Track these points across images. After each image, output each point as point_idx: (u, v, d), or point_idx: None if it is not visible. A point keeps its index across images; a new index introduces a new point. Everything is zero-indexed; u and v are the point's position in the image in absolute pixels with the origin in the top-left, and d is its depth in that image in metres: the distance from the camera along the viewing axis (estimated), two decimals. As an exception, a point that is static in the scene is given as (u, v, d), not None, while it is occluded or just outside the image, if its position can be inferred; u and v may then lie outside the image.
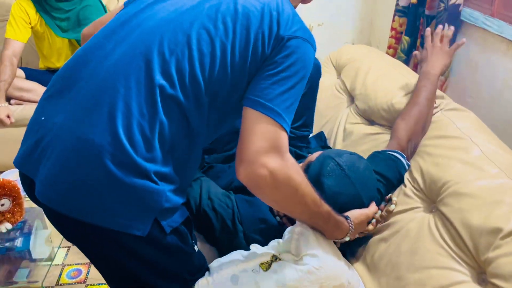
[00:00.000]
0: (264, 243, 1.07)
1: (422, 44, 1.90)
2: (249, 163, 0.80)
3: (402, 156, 1.20)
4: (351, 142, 1.50)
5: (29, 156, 0.88)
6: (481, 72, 1.69)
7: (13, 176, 1.62)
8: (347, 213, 1.02)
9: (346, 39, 2.83)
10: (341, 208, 1.01)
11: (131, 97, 0.82)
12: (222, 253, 1.11)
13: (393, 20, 2.09)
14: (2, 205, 1.36)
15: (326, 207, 0.93)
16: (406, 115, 1.27)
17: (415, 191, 1.14)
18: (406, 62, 2.01)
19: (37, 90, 2.15)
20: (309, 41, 0.91)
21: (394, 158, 1.20)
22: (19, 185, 1.45)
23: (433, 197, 1.09)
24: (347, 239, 1.02)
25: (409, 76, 1.50)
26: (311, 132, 1.56)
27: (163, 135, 0.83)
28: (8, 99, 2.13)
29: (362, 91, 1.56)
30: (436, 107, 1.28)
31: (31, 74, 2.22)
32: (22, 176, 0.93)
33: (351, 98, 1.66)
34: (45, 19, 2.12)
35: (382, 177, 1.17)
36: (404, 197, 1.15)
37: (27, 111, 2.06)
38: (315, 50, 0.93)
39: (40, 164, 0.85)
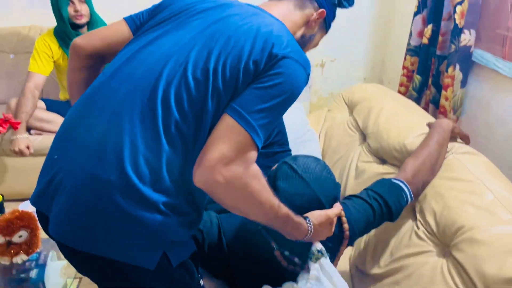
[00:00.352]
0: (246, 252, 1.12)
1: (433, 83, 1.93)
2: (207, 169, 0.80)
3: (405, 185, 1.20)
4: (363, 181, 1.52)
5: (43, 194, 0.91)
6: (493, 112, 1.70)
7: (31, 207, 1.65)
8: (307, 214, 1.02)
9: (358, 75, 2.88)
10: (301, 209, 1.01)
11: (136, 132, 0.85)
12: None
13: (405, 59, 2.13)
14: (20, 236, 1.38)
15: (284, 210, 0.92)
16: (415, 154, 1.29)
17: (428, 234, 1.15)
18: (418, 100, 2.04)
19: (57, 121, 2.21)
20: (303, 64, 0.90)
21: (397, 184, 1.20)
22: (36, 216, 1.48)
23: (446, 241, 1.09)
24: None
25: (421, 116, 1.53)
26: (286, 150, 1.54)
27: (170, 164, 0.85)
28: (28, 129, 2.19)
29: (374, 129, 1.59)
30: (448, 151, 1.30)
31: (52, 105, 2.29)
32: (38, 213, 0.97)
33: (363, 136, 1.68)
34: (68, 54, 2.21)
35: (379, 196, 1.16)
36: (418, 240, 1.15)
37: (46, 141, 2.11)
38: (308, 75, 0.91)
39: (53, 201, 0.88)
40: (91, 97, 0.94)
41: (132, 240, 0.85)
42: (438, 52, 1.88)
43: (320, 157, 1.79)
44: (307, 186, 1.07)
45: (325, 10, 1.03)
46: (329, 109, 1.95)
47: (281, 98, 0.85)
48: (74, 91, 1.10)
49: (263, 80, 0.86)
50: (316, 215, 1.02)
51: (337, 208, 1.08)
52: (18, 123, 1.41)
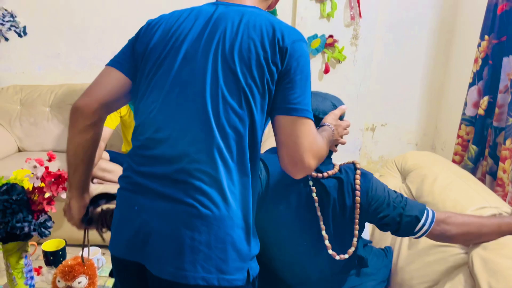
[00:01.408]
0: None
1: (490, 154, 1.90)
2: (307, 168, 0.95)
3: (432, 213, 1.21)
4: (417, 251, 1.48)
5: (133, 245, 0.96)
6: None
7: (90, 254, 1.73)
8: (324, 120, 1.16)
9: (409, 141, 2.87)
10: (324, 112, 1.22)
11: (200, 161, 0.93)
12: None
13: (460, 128, 2.12)
14: (79, 282, 1.46)
15: (326, 133, 1.10)
16: (466, 216, 1.26)
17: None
18: (474, 170, 2.00)
19: (118, 172, 2.35)
20: (302, 39, 1.00)
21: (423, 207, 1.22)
22: (95, 264, 1.56)
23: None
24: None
25: (478, 188, 1.50)
26: None
27: (239, 180, 0.95)
28: (92, 178, 2.34)
29: (429, 199, 1.57)
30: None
31: (115, 157, 2.45)
32: (125, 262, 1.00)
33: (417, 205, 1.66)
34: (134, 111, 2.39)
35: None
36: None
37: (107, 190, 2.23)
38: (304, 39, 1.01)
39: (146, 248, 0.94)
40: (150, 151, 0.98)
41: (230, 263, 0.92)
42: (494, 124, 1.87)
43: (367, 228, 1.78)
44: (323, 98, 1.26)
45: None
46: (381, 174, 1.95)
47: (306, 74, 0.98)
48: (80, 152, 1.06)
49: (288, 74, 0.96)
50: (329, 119, 1.17)
51: (341, 108, 1.22)
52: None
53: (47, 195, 1.36)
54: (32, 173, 1.33)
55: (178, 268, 0.91)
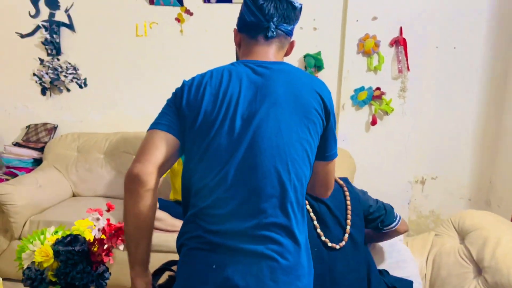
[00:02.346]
0: None
1: (555, 215, 1.79)
2: (331, 188, 1.24)
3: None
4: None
5: None
6: None
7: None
8: None
9: (462, 195, 2.77)
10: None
11: (275, 215, 1.00)
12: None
13: (519, 186, 2.03)
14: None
15: None
16: None
17: None
18: (537, 231, 1.89)
19: (166, 220, 2.39)
20: (330, 92, 1.16)
21: None
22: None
23: None
24: None
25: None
26: None
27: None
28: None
29: (492, 264, 1.49)
30: None
31: (163, 205, 2.49)
32: None
33: (478, 269, 1.58)
34: (183, 159, 2.46)
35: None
36: None
37: (156, 237, 2.26)
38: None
39: None
40: (222, 209, 1.01)
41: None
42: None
43: (421, 282, 1.70)
44: None
45: (294, 40, 1.19)
46: (437, 233, 1.88)
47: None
48: (142, 223, 1.05)
49: (331, 128, 1.13)
50: None
51: None
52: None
53: (106, 246, 1.40)
54: (94, 225, 1.38)
55: None
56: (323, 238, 1.41)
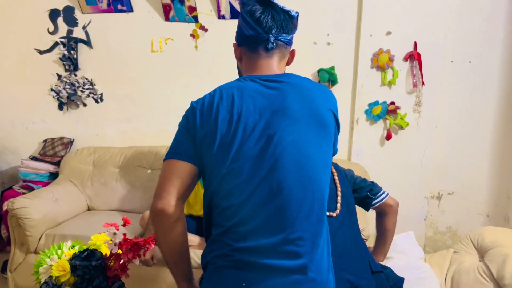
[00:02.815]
0: None
1: None
2: None
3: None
4: None
5: None
6: None
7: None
8: None
9: (480, 211, 2.72)
10: None
11: (302, 229, 1.02)
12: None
13: (539, 202, 1.99)
14: None
15: None
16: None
17: None
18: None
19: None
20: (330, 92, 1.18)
21: None
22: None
23: None
24: None
25: None
26: None
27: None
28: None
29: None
30: None
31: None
32: None
33: (498, 287, 1.54)
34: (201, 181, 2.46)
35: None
36: None
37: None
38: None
39: None
40: (247, 226, 1.01)
41: None
42: None
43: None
44: None
45: (295, 49, 1.19)
46: (455, 250, 1.84)
47: None
48: (176, 249, 1.09)
49: (337, 134, 1.15)
50: None
51: None
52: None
53: (122, 261, 1.40)
54: (111, 240, 1.39)
55: None
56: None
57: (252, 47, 1.13)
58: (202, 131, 1.04)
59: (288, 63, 1.21)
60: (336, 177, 1.64)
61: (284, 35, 1.12)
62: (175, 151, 1.07)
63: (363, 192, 1.69)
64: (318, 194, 1.04)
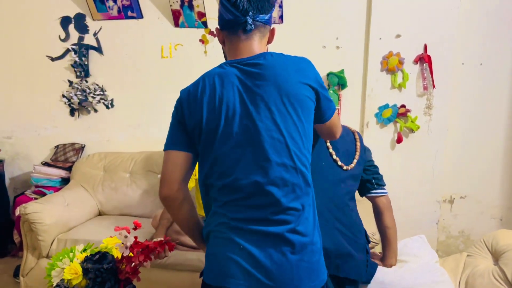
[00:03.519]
0: None
1: None
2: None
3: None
4: None
5: (248, 275, 1.10)
6: None
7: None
8: None
9: (493, 215, 2.68)
10: None
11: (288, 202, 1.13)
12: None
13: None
14: None
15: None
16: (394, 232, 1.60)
17: None
18: None
19: (192, 237, 2.38)
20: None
21: None
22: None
23: None
24: None
25: None
26: None
27: None
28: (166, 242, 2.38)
29: (529, 286, 1.43)
30: None
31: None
32: None
33: (514, 291, 1.51)
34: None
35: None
36: None
37: (181, 255, 2.25)
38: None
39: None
40: (248, 201, 1.12)
41: (322, 270, 1.20)
42: None
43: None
44: None
45: (274, 28, 1.22)
46: (469, 253, 1.82)
47: None
48: (189, 221, 1.25)
49: (321, 94, 1.19)
50: None
51: None
52: (174, 245, 1.57)
53: (133, 264, 1.41)
54: (122, 243, 1.39)
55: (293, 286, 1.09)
56: (334, 156, 1.59)
57: (232, 30, 1.17)
58: (191, 121, 1.15)
59: (269, 42, 1.25)
60: (358, 144, 1.69)
61: (261, 15, 1.16)
62: (170, 142, 1.20)
63: (369, 176, 1.71)
64: (302, 170, 1.13)
